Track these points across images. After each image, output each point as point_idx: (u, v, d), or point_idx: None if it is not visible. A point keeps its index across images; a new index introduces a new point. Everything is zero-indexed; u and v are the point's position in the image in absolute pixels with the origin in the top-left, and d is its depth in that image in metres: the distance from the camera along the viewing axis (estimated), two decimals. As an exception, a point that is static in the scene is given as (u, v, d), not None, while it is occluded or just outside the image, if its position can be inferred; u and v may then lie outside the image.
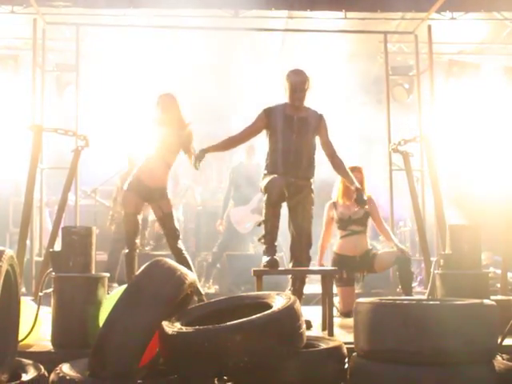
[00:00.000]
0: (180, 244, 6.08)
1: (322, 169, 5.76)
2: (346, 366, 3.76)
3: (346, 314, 6.15)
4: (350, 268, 6.39)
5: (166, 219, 6.04)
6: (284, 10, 8.38)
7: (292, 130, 5.45)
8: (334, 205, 6.55)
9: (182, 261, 5.88)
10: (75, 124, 8.62)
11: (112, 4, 8.50)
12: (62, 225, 5.76)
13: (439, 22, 9.07)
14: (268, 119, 5.51)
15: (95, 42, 9.55)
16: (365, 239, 6.54)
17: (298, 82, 5.46)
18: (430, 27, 8.71)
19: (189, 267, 6.05)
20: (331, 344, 3.89)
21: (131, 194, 5.99)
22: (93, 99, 9.99)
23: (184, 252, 6.08)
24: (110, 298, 4.39)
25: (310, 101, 5.58)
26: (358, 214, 6.43)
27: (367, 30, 9.38)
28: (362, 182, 6.47)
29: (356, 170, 6.57)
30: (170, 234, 6.06)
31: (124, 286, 3.98)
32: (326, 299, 5.16)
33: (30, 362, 3.73)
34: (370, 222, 6.59)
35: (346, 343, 3.93)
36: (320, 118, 5.57)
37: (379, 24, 9.36)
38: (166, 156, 6.04)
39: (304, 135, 5.47)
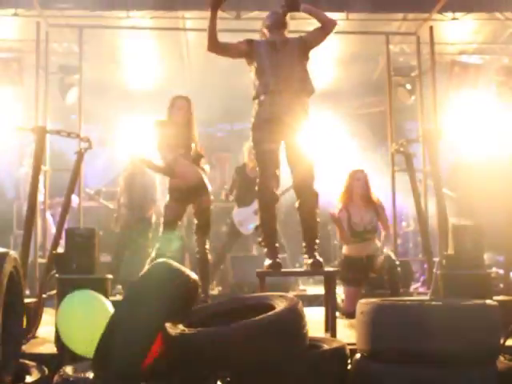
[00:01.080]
0: (207, 242, 6.17)
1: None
2: (349, 366, 3.77)
3: (349, 314, 6.16)
4: (356, 269, 6.43)
5: (202, 213, 6.11)
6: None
7: (277, 50, 5.30)
8: (346, 210, 6.61)
9: (204, 258, 6.11)
10: (78, 126, 8.64)
11: (114, 6, 8.52)
12: (65, 227, 5.78)
13: (441, 23, 9.08)
14: (250, 45, 5.33)
15: (99, 44, 9.52)
16: (374, 242, 6.59)
17: (275, 20, 5.37)
18: (431, 28, 8.70)
19: (206, 267, 6.13)
20: (334, 345, 3.90)
21: (175, 204, 6.11)
22: (96, 101, 10.06)
23: (207, 250, 6.18)
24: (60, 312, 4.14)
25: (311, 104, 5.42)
26: (371, 223, 6.50)
27: (369, 31, 9.39)
28: (366, 182, 6.52)
29: (359, 171, 6.61)
30: (202, 228, 6.15)
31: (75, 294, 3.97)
32: (328, 300, 5.16)
33: (34, 363, 3.75)
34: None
35: (348, 344, 3.93)
36: (300, 37, 5.41)
37: (381, 25, 9.36)
38: (187, 154, 6.10)
39: (290, 52, 5.30)
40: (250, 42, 5.36)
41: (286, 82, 5.20)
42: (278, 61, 5.24)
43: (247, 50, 5.33)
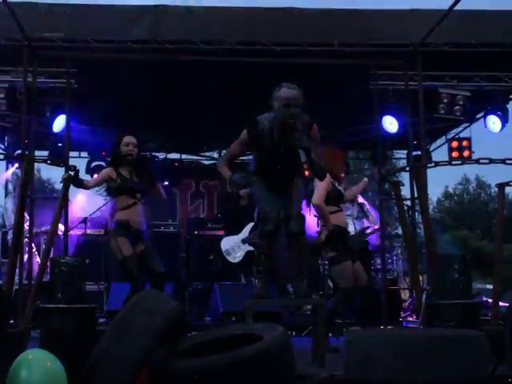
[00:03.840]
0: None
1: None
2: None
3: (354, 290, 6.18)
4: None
5: None
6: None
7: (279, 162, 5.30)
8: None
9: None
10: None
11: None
12: (51, 255, 5.75)
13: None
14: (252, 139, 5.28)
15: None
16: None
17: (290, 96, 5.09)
18: (419, 57, 8.79)
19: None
20: (320, 375, 3.87)
21: None
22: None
23: None
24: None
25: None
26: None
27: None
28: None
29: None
30: None
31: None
32: (316, 329, 5.14)
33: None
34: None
35: (336, 375, 3.90)
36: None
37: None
38: None
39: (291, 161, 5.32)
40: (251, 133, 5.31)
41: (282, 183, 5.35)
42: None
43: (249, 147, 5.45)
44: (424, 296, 5.04)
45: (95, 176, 6.38)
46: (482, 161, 5.44)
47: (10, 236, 9.38)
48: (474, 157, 11.32)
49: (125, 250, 6.16)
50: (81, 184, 6.22)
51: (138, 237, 6.31)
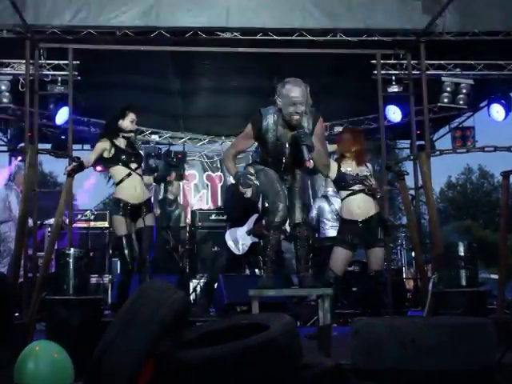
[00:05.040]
0: None
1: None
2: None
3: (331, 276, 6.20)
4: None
5: None
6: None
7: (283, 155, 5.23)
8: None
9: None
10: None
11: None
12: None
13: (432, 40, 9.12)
14: (257, 133, 5.15)
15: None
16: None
17: (296, 95, 4.92)
18: (422, 46, 8.77)
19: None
20: (328, 364, 3.86)
21: None
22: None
23: None
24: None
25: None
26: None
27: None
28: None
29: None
30: None
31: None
32: (322, 319, 5.13)
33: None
34: None
35: (343, 364, 3.89)
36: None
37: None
38: None
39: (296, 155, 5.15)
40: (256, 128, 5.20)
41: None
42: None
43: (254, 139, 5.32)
44: (430, 284, 5.02)
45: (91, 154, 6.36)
46: (487, 149, 5.42)
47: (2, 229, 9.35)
48: (478, 146, 11.27)
49: (120, 229, 6.21)
50: (83, 168, 6.17)
51: (138, 211, 6.33)
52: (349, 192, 6.42)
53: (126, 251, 6.14)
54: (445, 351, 3.35)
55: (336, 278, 6.27)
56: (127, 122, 6.39)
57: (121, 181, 6.32)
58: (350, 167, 6.46)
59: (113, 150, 6.31)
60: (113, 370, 3.21)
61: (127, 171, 6.32)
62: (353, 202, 6.41)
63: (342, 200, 6.51)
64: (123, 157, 6.32)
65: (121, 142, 6.40)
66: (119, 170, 6.34)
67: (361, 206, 6.38)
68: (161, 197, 10.89)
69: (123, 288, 6.25)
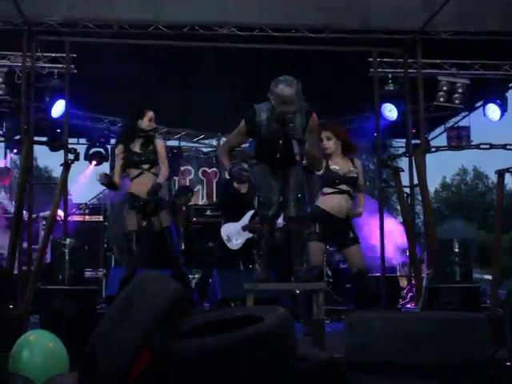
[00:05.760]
0: None
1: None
2: (338, 379, 3.74)
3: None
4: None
5: None
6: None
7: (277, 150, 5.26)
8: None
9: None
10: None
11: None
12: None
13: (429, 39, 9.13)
14: (250, 129, 5.22)
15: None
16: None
17: (288, 94, 4.96)
18: (419, 45, 8.78)
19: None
20: (323, 357, 3.87)
21: None
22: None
23: None
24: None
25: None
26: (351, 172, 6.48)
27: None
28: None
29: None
30: None
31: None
32: (315, 313, 5.14)
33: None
34: None
35: (337, 357, 3.90)
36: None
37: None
38: None
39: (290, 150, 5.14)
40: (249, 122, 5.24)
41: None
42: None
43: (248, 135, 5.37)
44: (424, 280, 5.04)
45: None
46: (482, 146, 5.44)
47: None
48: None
49: (130, 225, 6.32)
50: (115, 185, 6.48)
51: (148, 207, 6.42)
52: (334, 190, 6.45)
53: (135, 247, 6.20)
54: (439, 345, 3.37)
55: (321, 271, 6.30)
56: (146, 121, 6.56)
57: (133, 178, 6.55)
58: (337, 165, 6.48)
59: (126, 154, 6.50)
60: (107, 359, 3.22)
61: (138, 171, 6.53)
62: (335, 198, 6.43)
63: (324, 194, 6.51)
64: (134, 159, 6.50)
65: (136, 144, 6.57)
66: (131, 171, 6.56)
67: (342, 205, 6.41)
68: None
69: (127, 284, 6.28)
